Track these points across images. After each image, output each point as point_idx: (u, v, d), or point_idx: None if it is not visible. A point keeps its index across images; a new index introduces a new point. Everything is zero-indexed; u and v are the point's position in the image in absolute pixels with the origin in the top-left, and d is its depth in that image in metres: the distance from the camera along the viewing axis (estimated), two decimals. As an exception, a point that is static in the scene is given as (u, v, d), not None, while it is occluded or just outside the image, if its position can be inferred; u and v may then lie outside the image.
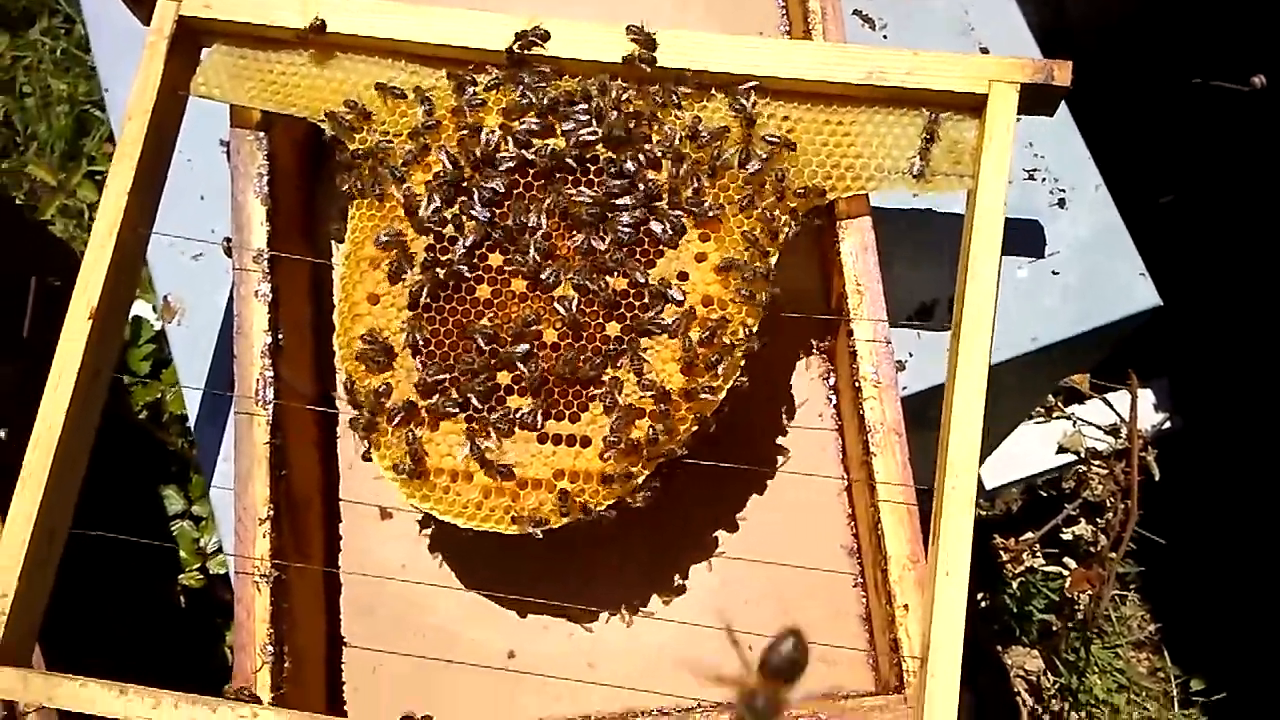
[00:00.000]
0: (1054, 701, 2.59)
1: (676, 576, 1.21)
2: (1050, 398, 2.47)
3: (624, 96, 1.13)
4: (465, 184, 1.13)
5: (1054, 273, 1.36)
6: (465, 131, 1.14)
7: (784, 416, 1.25)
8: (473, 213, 1.12)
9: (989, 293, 1.06)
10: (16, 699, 1.05)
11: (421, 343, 1.11)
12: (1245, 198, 2.44)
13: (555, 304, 1.10)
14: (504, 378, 1.10)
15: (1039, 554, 2.54)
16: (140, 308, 2.39)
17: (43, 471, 1.09)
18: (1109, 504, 2.30)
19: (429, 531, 1.24)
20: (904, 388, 1.28)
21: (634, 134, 1.12)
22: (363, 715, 1.19)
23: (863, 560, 1.19)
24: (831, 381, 1.25)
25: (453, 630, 1.21)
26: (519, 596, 1.18)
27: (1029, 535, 2.50)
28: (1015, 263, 1.36)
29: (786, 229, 1.12)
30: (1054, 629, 2.56)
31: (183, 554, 2.27)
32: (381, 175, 1.14)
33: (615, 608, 1.20)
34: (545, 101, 1.13)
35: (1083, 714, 2.59)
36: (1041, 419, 2.50)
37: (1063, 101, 1.17)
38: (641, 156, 1.11)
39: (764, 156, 1.11)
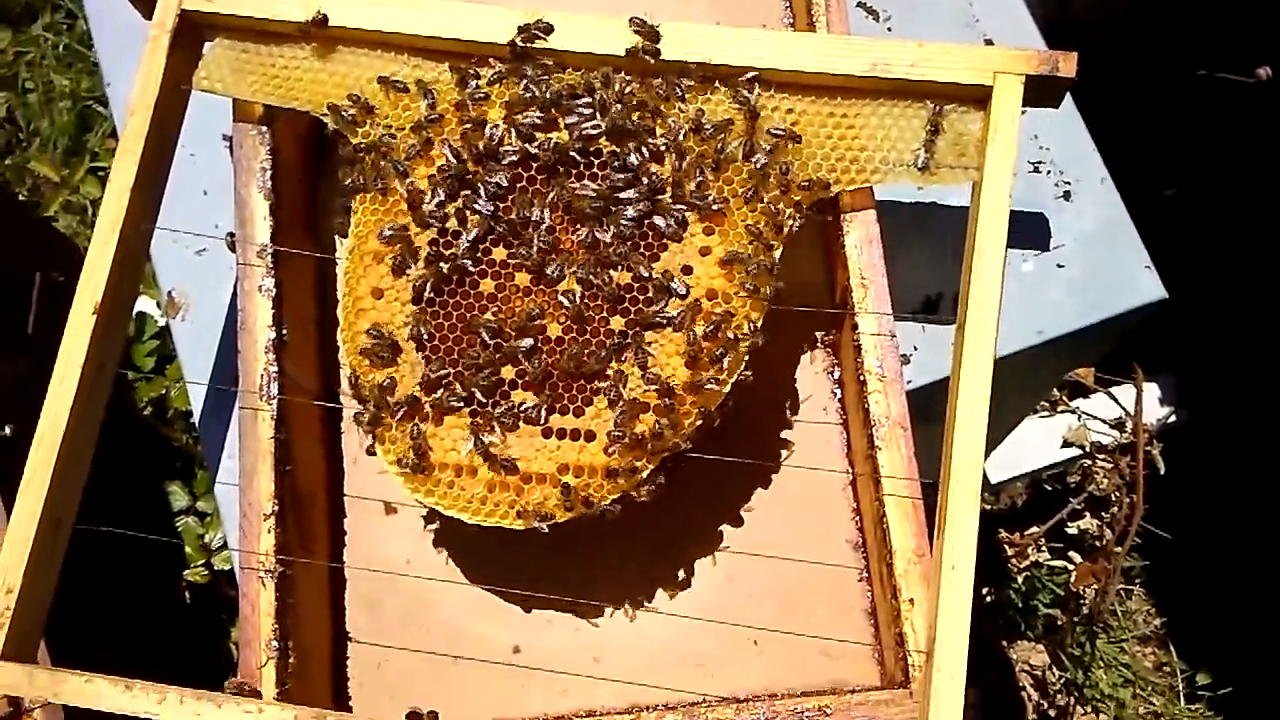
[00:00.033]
0: (1059, 696, 2.59)
1: (680, 571, 1.21)
2: (1055, 392, 2.47)
3: (627, 89, 1.13)
4: (468, 178, 1.13)
5: (1059, 265, 1.36)
6: (468, 125, 1.14)
7: (788, 411, 1.25)
8: (476, 206, 1.12)
9: (994, 286, 1.06)
10: (22, 695, 1.05)
11: (425, 337, 1.11)
12: (1251, 190, 2.43)
13: (560, 297, 1.09)
14: (508, 372, 1.10)
15: (1044, 548, 2.54)
16: (144, 303, 2.40)
17: (47, 467, 1.09)
18: (1114, 498, 2.30)
19: (434, 527, 1.24)
20: (909, 381, 1.28)
21: (638, 127, 1.11)
22: (368, 711, 1.19)
23: (868, 555, 1.19)
24: (836, 375, 1.25)
25: (458, 625, 1.21)
26: (524, 591, 1.18)
27: (1034, 530, 2.50)
28: (1020, 255, 1.36)
29: (790, 222, 1.11)
30: (1059, 623, 2.56)
31: (188, 550, 2.28)
32: (384, 169, 1.14)
33: (620, 602, 1.20)
34: (548, 95, 1.13)
35: (1088, 709, 2.59)
36: (1046, 413, 2.49)
37: (1068, 94, 1.16)
38: (645, 149, 1.11)
39: (768, 149, 1.11)
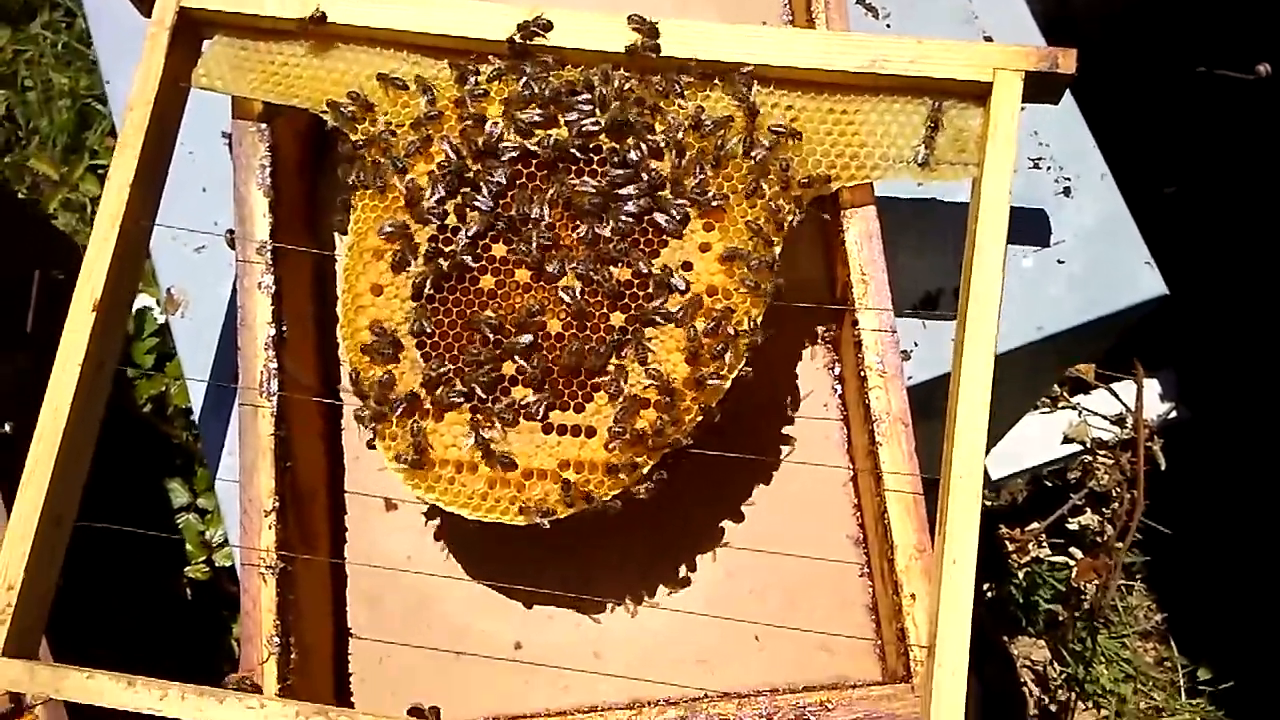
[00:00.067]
0: (1060, 692, 2.59)
1: (681, 567, 1.21)
2: (1056, 388, 2.47)
3: (627, 86, 1.13)
4: (468, 174, 1.13)
5: (1059, 262, 1.36)
6: (468, 122, 1.14)
7: (789, 406, 1.25)
8: (476, 203, 1.12)
9: (994, 282, 1.06)
10: (24, 691, 1.05)
11: (426, 334, 1.11)
12: (1250, 186, 2.43)
13: (560, 293, 1.09)
14: (508, 368, 1.10)
15: (1045, 544, 2.54)
16: (144, 301, 2.40)
17: (48, 463, 1.09)
18: (1115, 494, 2.30)
19: (435, 523, 1.24)
20: (909, 377, 1.28)
21: (637, 124, 1.11)
22: (370, 707, 1.19)
23: (869, 550, 1.19)
24: (836, 371, 1.25)
25: (459, 621, 1.21)
26: (525, 587, 1.18)
27: (1035, 526, 2.50)
28: (1020, 252, 1.36)
29: (790, 218, 1.11)
30: (1060, 619, 2.56)
31: (188, 547, 2.28)
32: (384, 166, 1.14)
33: (621, 598, 1.20)
34: (548, 92, 1.13)
35: (1089, 704, 2.59)
36: (1047, 409, 2.49)
37: (1067, 90, 1.16)
38: (644, 146, 1.11)
39: (768, 145, 1.11)
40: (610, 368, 1.08)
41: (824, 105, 1.14)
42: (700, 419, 1.08)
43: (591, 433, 1.08)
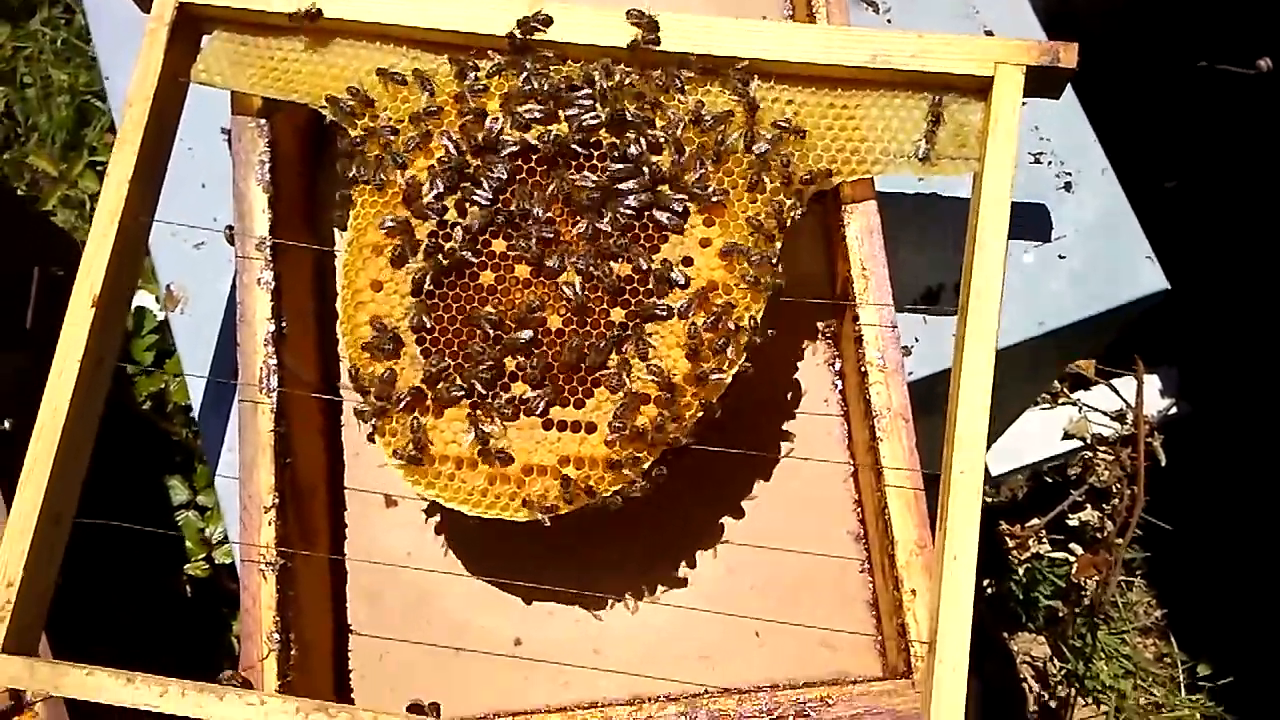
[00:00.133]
0: (1060, 687, 2.59)
1: (682, 563, 1.21)
2: (1056, 384, 2.46)
3: (627, 81, 1.13)
4: (468, 170, 1.13)
5: (1060, 256, 1.36)
6: (468, 117, 1.14)
7: (789, 402, 1.24)
8: (476, 198, 1.12)
9: (995, 277, 1.06)
10: (23, 687, 1.05)
11: (425, 329, 1.11)
12: (1252, 181, 2.43)
13: (562, 288, 1.09)
14: (508, 364, 1.10)
15: (1045, 540, 2.54)
16: (143, 298, 2.40)
17: (47, 459, 1.09)
18: (1115, 490, 2.30)
19: (435, 520, 1.24)
20: (910, 373, 1.27)
21: (637, 119, 1.11)
22: (370, 703, 1.19)
23: (869, 546, 1.19)
24: (837, 366, 1.25)
25: (459, 618, 1.21)
26: (525, 583, 1.18)
27: (1035, 522, 2.50)
28: (1021, 246, 1.35)
29: (791, 214, 1.11)
30: (1060, 615, 2.56)
31: (188, 544, 2.28)
32: (384, 161, 1.14)
33: (621, 594, 1.20)
34: (548, 87, 1.13)
35: (1089, 700, 2.59)
36: (1047, 405, 2.49)
37: (1069, 85, 1.16)
38: (644, 141, 1.11)
39: (769, 140, 1.10)
40: (612, 363, 1.08)
41: (824, 100, 1.13)
42: (701, 415, 1.08)
43: (592, 428, 1.08)
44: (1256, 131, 2.32)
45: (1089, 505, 2.46)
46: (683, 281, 1.08)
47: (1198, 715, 2.57)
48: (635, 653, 1.18)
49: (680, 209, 1.10)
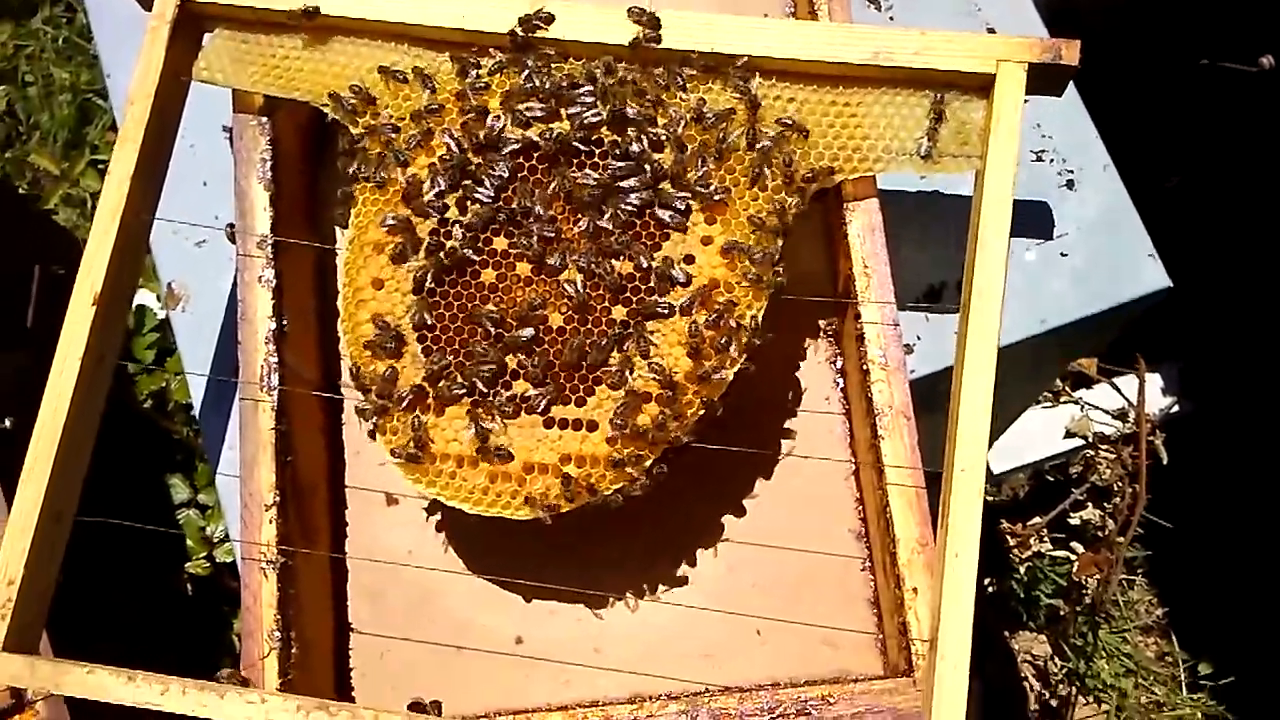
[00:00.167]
0: (1061, 686, 2.59)
1: (683, 561, 1.21)
2: (1058, 382, 2.46)
3: (629, 79, 1.12)
4: (469, 168, 1.13)
5: (1062, 254, 1.35)
6: (469, 115, 1.13)
7: (791, 400, 1.24)
8: (477, 195, 1.12)
9: (998, 275, 1.05)
10: (24, 686, 1.05)
11: (426, 327, 1.11)
12: (1254, 179, 2.42)
13: (563, 285, 1.09)
14: (510, 362, 1.09)
15: (1046, 539, 2.53)
16: (144, 296, 2.40)
17: (48, 457, 1.09)
18: (1117, 488, 2.30)
19: (435, 518, 1.24)
20: (911, 371, 1.27)
21: (639, 116, 1.11)
22: (371, 701, 1.19)
23: (871, 544, 1.18)
24: (839, 365, 1.24)
25: (460, 616, 1.21)
26: (526, 582, 1.18)
27: (1036, 520, 2.49)
28: (1023, 244, 1.35)
29: (793, 212, 1.11)
30: (1061, 614, 2.56)
31: (189, 542, 2.28)
32: (385, 159, 1.14)
33: (621, 593, 1.20)
34: (549, 85, 1.12)
35: (1090, 699, 2.59)
36: (1049, 404, 2.49)
37: (1070, 82, 1.16)
38: (645, 138, 1.11)
39: (772, 138, 1.10)
40: (613, 361, 1.08)
41: (826, 98, 1.13)
42: (702, 413, 1.08)
43: (593, 427, 1.08)
44: (1259, 129, 2.32)
45: (1090, 504, 2.45)
46: (684, 279, 1.08)
47: (1199, 714, 2.57)
48: (636, 651, 1.18)
49: (682, 207, 1.09)
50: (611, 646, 1.19)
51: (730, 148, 1.10)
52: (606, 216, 1.09)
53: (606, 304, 1.09)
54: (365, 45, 1.18)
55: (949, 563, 0.99)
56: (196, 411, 1.36)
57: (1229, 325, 2.56)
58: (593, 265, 1.09)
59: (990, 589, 2.61)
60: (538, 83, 1.13)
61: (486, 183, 1.12)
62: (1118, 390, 2.35)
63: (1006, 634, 2.63)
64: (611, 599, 1.20)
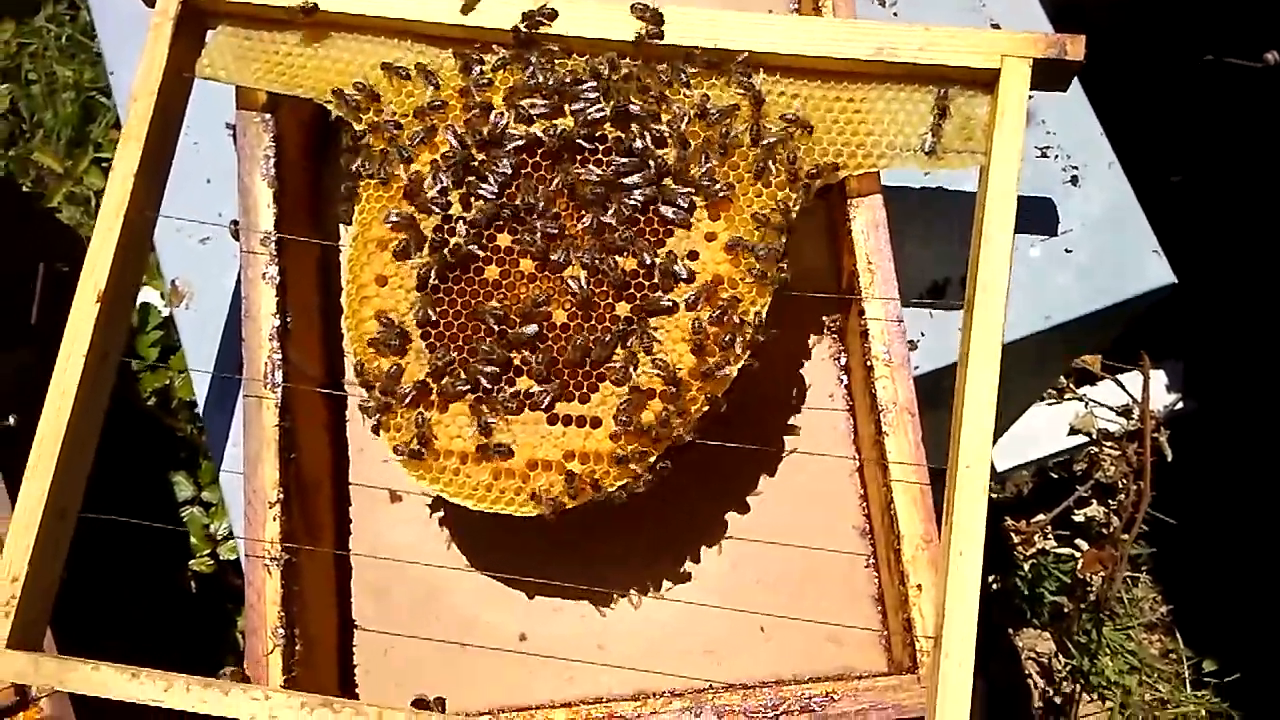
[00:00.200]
0: (1065, 683, 2.58)
1: (687, 558, 1.20)
2: (1062, 379, 2.46)
3: (632, 75, 1.12)
4: (473, 164, 1.12)
5: (1067, 250, 1.35)
6: (473, 111, 1.13)
7: (795, 397, 1.24)
8: (481, 192, 1.11)
9: (1002, 271, 1.05)
10: (29, 683, 1.06)
11: (430, 323, 1.11)
12: (1258, 175, 2.42)
13: (568, 281, 1.09)
14: (513, 358, 1.09)
15: (1050, 536, 2.53)
16: (148, 294, 2.40)
17: (52, 454, 1.09)
18: (1121, 485, 2.29)
19: (439, 515, 1.23)
20: (915, 367, 1.27)
21: (643, 112, 1.11)
22: (375, 698, 1.19)
23: (875, 541, 1.18)
24: (843, 361, 1.24)
25: (464, 613, 1.21)
26: (530, 579, 1.18)
27: (1040, 517, 2.49)
28: (1028, 240, 1.35)
29: (797, 208, 1.11)
30: (1065, 611, 2.56)
31: (193, 540, 2.28)
32: (389, 156, 1.14)
33: (625, 589, 1.20)
34: (553, 81, 1.12)
35: (1094, 696, 2.59)
36: (1053, 400, 2.48)
37: (1075, 78, 1.15)
38: (649, 134, 1.10)
39: (775, 134, 1.10)
40: (617, 358, 1.08)
41: (831, 94, 1.13)
42: (706, 410, 1.08)
43: (597, 423, 1.08)
44: (1263, 125, 2.31)
45: (1095, 501, 2.45)
46: (687, 276, 1.08)
47: (1203, 711, 2.56)
48: (640, 648, 1.18)
49: (686, 203, 1.09)
50: (615, 643, 1.19)
51: (734, 143, 1.10)
52: (610, 212, 1.09)
53: (610, 300, 1.09)
54: (368, 42, 1.18)
55: (954, 559, 0.99)
56: (200, 409, 1.36)
57: (1233, 322, 2.56)
58: (596, 261, 1.08)
59: (994, 586, 2.60)
60: (541, 79, 1.12)
61: (490, 179, 1.12)
62: (1122, 387, 2.34)
63: (1011, 631, 2.63)
64: (615, 596, 1.20)
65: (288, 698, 1.02)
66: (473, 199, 1.12)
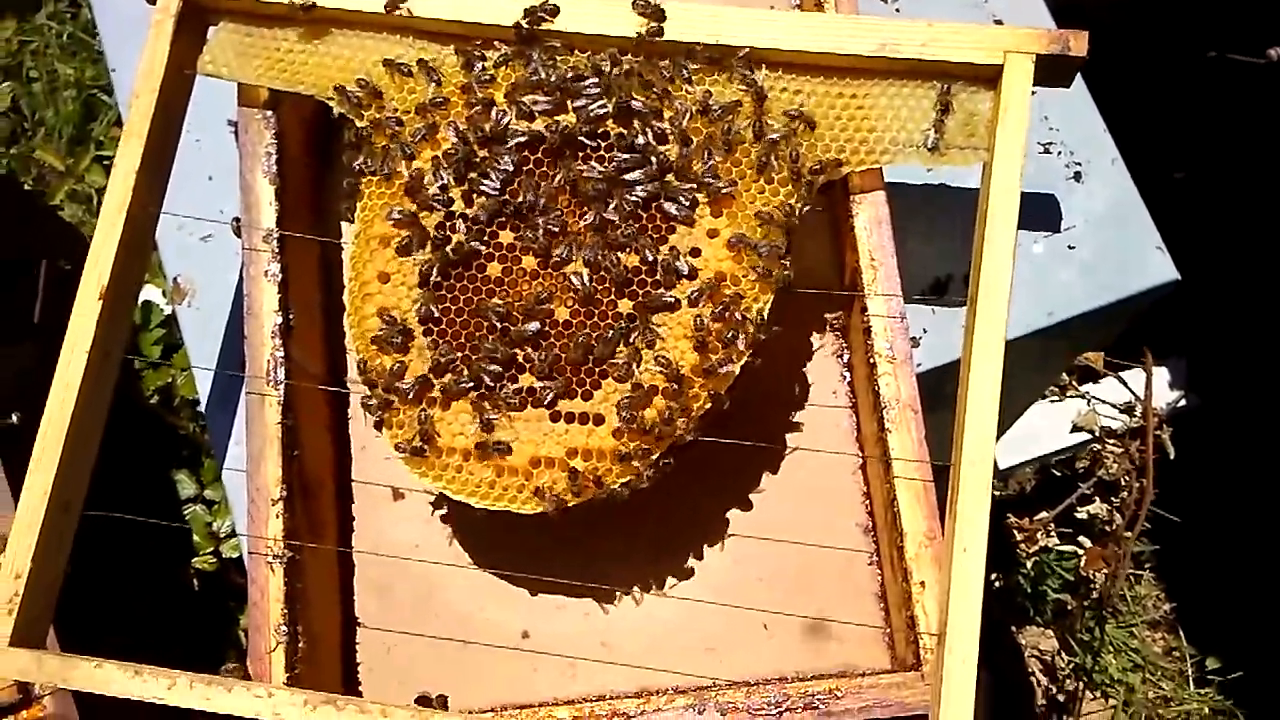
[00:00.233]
0: (1068, 681, 2.58)
1: (690, 555, 1.20)
2: (1064, 376, 2.45)
3: (634, 71, 1.12)
4: (474, 161, 1.12)
5: (1070, 247, 1.35)
6: (475, 108, 1.13)
7: (797, 394, 1.24)
8: (483, 189, 1.11)
9: (1005, 267, 1.05)
10: (32, 680, 1.05)
11: (433, 320, 1.11)
12: (1262, 172, 2.41)
13: (570, 278, 1.09)
14: (516, 355, 1.09)
15: (1053, 533, 2.53)
16: (150, 292, 2.40)
17: (55, 451, 1.09)
18: (1124, 483, 2.29)
19: (442, 512, 1.23)
20: (918, 364, 1.27)
21: (645, 108, 1.11)
22: (378, 695, 1.19)
23: (878, 538, 1.18)
24: (845, 358, 1.24)
25: (467, 610, 1.21)
26: (533, 576, 1.18)
27: (1043, 515, 2.49)
28: (1031, 237, 1.35)
29: (800, 205, 1.11)
30: (1069, 609, 2.55)
31: (196, 538, 2.28)
32: (391, 153, 1.14)
33: (628, 587, 1.20)
34: (555, 77, 1.12)
35: (1097, 694, 2.58)
36: (1055, 398, 2.48)
37: (1078, 74, 1.15)
38: (651, 130, 1.10)
39: (779, 130, 1.10)
40: (620, 354, 1.08)
41: (833, 90, 1.13)
42: (709, 407, 1.08)
43: (600, 420, 1.08)
44: (1267, 122, 2.31)
45: (1097, 498, 2.44)
46: (689, 272, 1.08)
47: (1206, 709, 2.56)
48: (643, 645, 1.18)
49: (688, 200, 1.09)
50: (618, 640, 1.19)
51: (736, 140, 1.10)
52: (612, 209, 1.09)
53: (612, 297, 1.09)
54: (370, 38, 1.18)
55: (957, 556, 0.98)
56: (203, 406, 1.36)
57: (1237, 318, 2.55)
58: (599, 258, 1.08)
59: (997, 584, 2.60)
60: (543, 75, 1.12)
61: (492, 176, 1.11)
62: (1125, 384, 2.34)
63: (1013, 629, 2.62)
64: (618, 593, 1.20)
65: (291, 695, 1.02)
66: (475, 195, 1.12)
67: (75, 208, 2.85)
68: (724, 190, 1.09)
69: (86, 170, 2.86)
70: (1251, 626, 2.52)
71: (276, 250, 1.17)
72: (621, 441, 1.06)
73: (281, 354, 1.15)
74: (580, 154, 1.12)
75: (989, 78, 1.11)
